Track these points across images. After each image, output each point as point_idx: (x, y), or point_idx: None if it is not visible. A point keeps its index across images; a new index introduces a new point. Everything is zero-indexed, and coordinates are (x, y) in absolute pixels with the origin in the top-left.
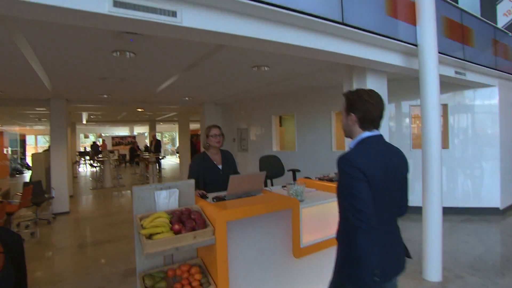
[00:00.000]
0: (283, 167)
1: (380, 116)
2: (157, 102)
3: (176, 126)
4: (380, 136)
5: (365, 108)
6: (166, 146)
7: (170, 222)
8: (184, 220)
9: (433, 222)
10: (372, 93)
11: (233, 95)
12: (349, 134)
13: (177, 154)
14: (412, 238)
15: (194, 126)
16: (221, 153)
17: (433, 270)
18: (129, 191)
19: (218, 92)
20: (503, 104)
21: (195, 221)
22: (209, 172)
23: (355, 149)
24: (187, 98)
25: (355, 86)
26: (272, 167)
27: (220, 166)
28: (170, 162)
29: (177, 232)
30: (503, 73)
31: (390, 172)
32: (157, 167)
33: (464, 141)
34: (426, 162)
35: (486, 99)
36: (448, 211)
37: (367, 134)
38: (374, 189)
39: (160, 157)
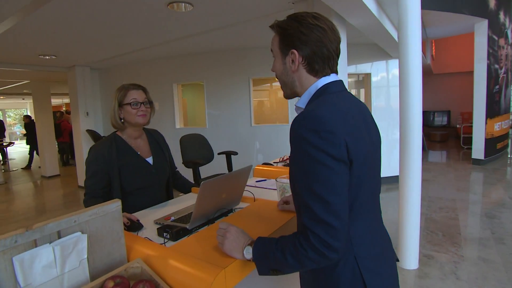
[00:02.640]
0: (212, 150)
1: (337, 51)
2: None
3: (27, 102)
4: (342, 82)
5: (314, 38)
6: (13, 128)
7: None
8: None
9: (413, 201)
10: (319, 16)
11: (120, 55)
12: (290, 88)
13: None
14: None
15: (55, 101)
16: (147, 136)
17: (412, 256)
18: None
19: (103, 49)
20: None
21: None
22: (130, 172)
23: (318, 104)
24: (47, 57)
25: None
26: (198, 151)
27: (149, 159)
28: (20, 149)
29: None
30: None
31: (372, 136)
32: (1, 158)
33: (384, 113)
34: (406, 129)
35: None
36: (382, 181)
37: (326, 79)
38: (360, 169)
39: (5, 144)
